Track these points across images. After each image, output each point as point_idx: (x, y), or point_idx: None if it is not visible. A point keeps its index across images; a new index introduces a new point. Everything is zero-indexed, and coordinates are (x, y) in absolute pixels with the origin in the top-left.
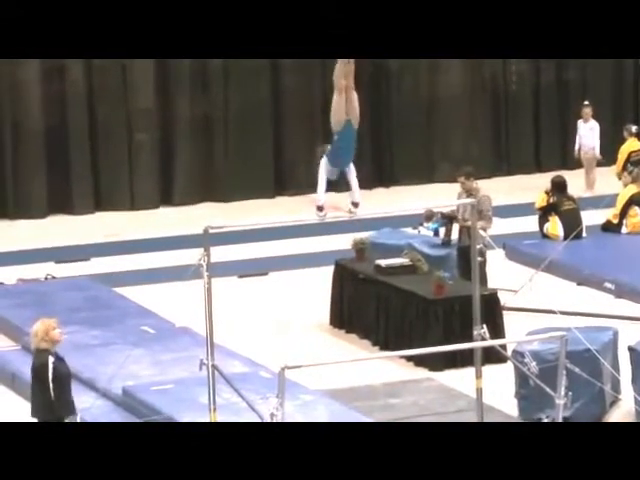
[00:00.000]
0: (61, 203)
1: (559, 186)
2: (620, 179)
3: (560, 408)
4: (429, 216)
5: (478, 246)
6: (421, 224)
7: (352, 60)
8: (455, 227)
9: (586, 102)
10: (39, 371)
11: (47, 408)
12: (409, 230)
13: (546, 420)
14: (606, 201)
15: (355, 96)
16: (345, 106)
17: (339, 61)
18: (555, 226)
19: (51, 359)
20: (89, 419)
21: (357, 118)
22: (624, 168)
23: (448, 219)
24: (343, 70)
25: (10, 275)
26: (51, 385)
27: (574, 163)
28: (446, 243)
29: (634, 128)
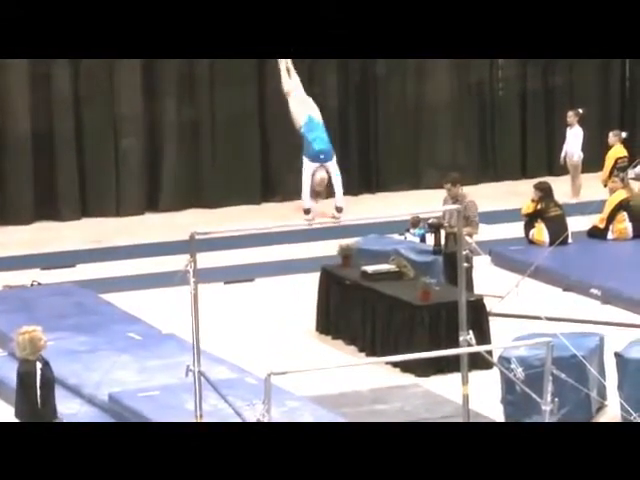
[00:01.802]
0: (47, 209)
1: (546, 191)
2: (606, 185)
3: (546, 414)
4: (415, 222)
5: (464, 252)
6: (407, 230)
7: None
8: (442, 234)
9: (580, 110)
10: (25, 378)
11: (32, 414)
12: (395, 236)
13: None
14: (592, 207)
15: (301, 90)
16: (300, 106)
17: (279, 63)
18: (541, 232)
19: (39, 365)
20: None
21: (316, 110)
22: (611, 174)
23: (435, 228)
24: (284, 70)
25: None
26: (39, 392)
27: (560, 169)
28: (437, 252)
29: (623, 134)
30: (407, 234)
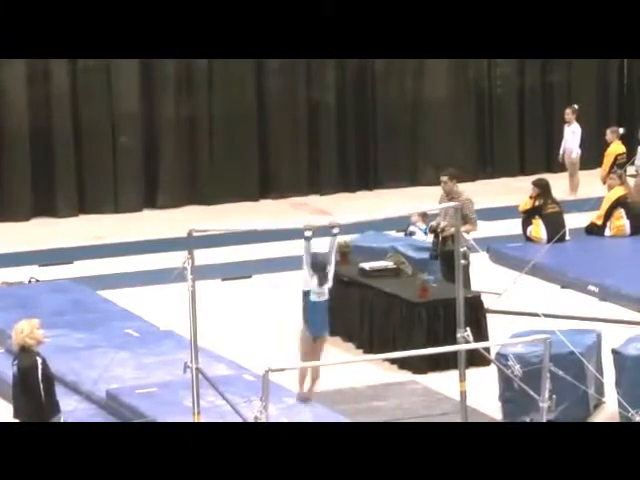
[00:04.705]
0: (45, 206)
1: (544, 188)
2: (604, 183)
3: (544, 411)
4: (423, 216)
5: (462, 249)
6: (414, 223)
7: None
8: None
9: (575, 105)
10: (27, 372)
11: (35, 410)
12: (393, 233)
13: None
14: (590, 204)
15: None
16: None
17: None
18: (539, 229)
19: (39, 359)
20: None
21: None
22: (610, 171)
23: (433, 231)
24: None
25: None
26: (41, 385)
27: (558, 166)
28: (435, 257)
29: (621, 130)
30: (415, 228)
